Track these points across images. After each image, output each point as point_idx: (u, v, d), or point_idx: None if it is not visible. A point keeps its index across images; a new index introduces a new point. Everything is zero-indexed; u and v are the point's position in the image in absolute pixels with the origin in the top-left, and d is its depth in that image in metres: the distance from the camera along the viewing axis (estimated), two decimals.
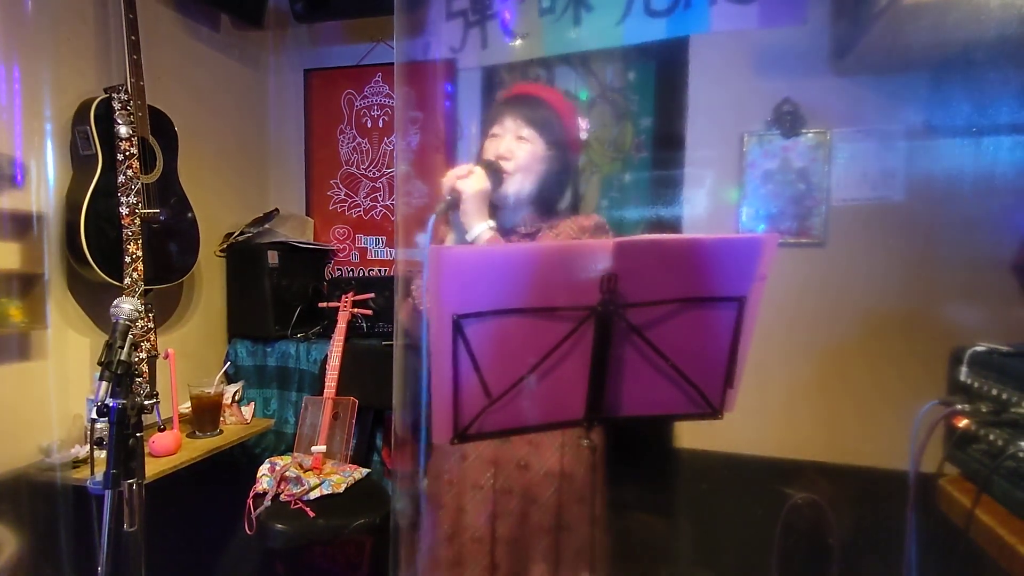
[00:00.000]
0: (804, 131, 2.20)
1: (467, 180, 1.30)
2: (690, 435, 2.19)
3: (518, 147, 1.41)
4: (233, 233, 2.71)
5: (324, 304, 2.67)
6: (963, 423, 1.12)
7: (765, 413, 2.01)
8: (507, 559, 1.43)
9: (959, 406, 1.13)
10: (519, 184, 1.41)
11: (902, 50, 1.94)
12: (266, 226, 2.74)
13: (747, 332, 1.04)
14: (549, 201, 1.47)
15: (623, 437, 2.10)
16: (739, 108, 2.27)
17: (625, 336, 1.01)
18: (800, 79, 2.21)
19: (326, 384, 2.42)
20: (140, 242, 2.03)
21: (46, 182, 1.97)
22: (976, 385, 1.15)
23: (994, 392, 1.10)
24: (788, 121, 2.21)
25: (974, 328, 1.65)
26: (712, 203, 2.34)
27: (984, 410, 1.10)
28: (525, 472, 1.43)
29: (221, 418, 2.30)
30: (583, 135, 2.52)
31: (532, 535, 1.43)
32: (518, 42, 2.22)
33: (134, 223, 2.01)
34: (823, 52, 2.17)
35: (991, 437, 1.06)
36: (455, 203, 1.30)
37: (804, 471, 2.07)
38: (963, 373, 1.19)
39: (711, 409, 1.10)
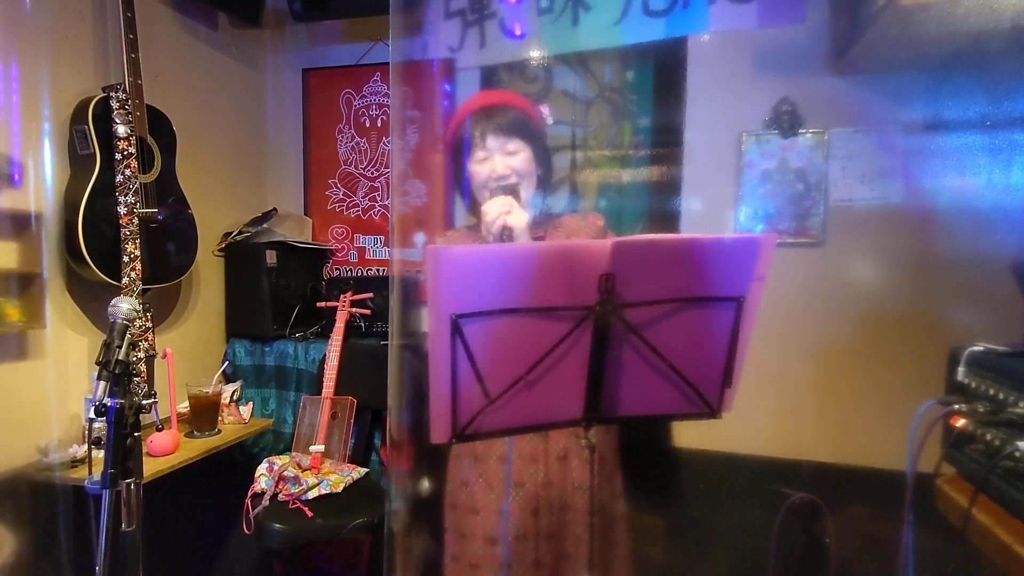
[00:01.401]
0: (802, 131, 2.20)
1: (513, 216, 1.32)
2: (688, 434, 2.19)
3: (512, 161, 1.43)
4: (231, 232, 2.71)
5: (322, 304, 2.67)
6: (960, 423, 1.12)
7: (763, 413, 2.01)
8: (551, 551, 1.46)
9: (956, 406, 1.13)
10: (524, 194, 1.43)
11: (900, 49, 1.94)
12: (264, 225, 2.74)
13: (745, 332, 1.05)
14: (542, 200, 1.50)
15: (620, 437, 2.10)
16: (737, 107, 2.27)
17: (623, 336, 1.02)
18: (798, 78, 2.21)
19: (324, 384, 2.42)
20: (138, 241, 2.03)
21: (44, 181, 1.96)
22: (973, 385, 1.15)
23: (991, 392, 1.10)
24: (786, 121, 2.21)
25: (972, 328, 1.66)
26: (710, 203, 2.34)
27: (981, 410, 1.10)
28: (565, 462, 1.46)
29: (219, 418, 2.30)
30: (580, 133, 2.53)
31: (575, 521, 1.47)
32: (518, 42, 2.22)
33: (132, 222, 2.01)
34: (822, 51, 2.17)
35: (988, 437, 1.06)
36: (510, 240, 1.32)
37: (802, 471, 2.07)
38: (960, 373, 1.19)
39: (709, 409, 1.10)
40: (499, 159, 1.43)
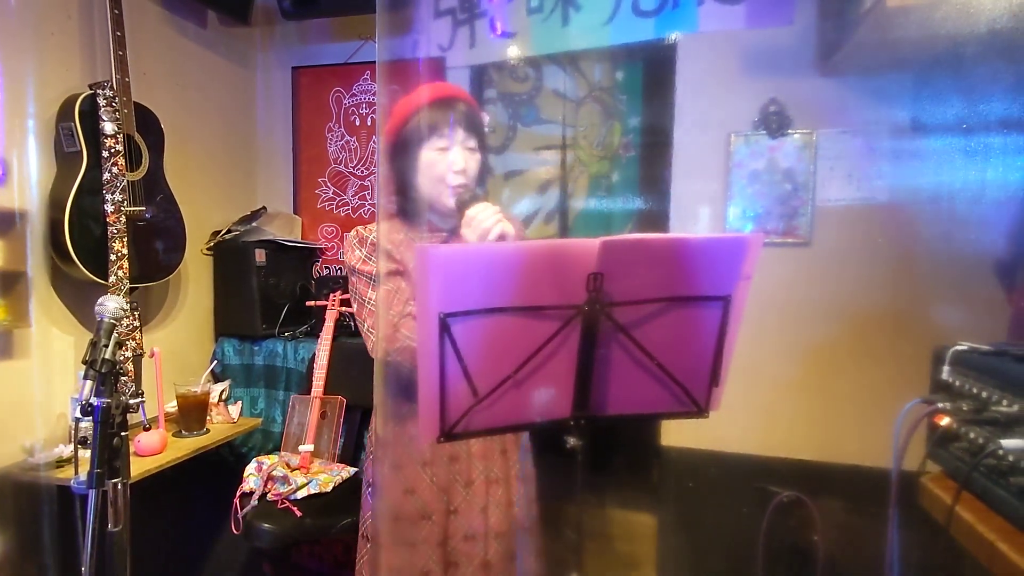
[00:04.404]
0: (790, 131, 2.21)
1: (507, 223, 1.29)
2: (676, 433, 2.20)
3: (471, 159, 1.39)
4: (220, 231, 2.70)
5: (312, 303, 2.66)
6: (944, 421, 1.13)
7: (750, 411, 2.02)
8: (505, 548, 1.47)
9: (941, 404, 1.14)
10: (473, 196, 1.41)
11: (888, 50, 1.96)
12: (253, 224, 2.72)
13: (732, 331, 1.05)
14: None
15: (610, 435, 2.11)
16: (726, 108, 2.28)
17: (611, 335, 1.02)
18: (787, 79, 2.22)
19: (314, 383, 2.41)
20: (126, 240, 2.02)
21: (29, 179, 1.95)
22: (958, 384, 1.16)
23: (975, 391, 1.11)
24: (775, 121, 2.22)
25: (956, 327, 1.67)
26: (698, 203, 2.34)
27: (965, 408, 1.11)
28: (506, 456, 1.49)
29: (208, 417, 2.28)
30: (570, 132, 2.53)
31: (525, 512, 1.50)
32: (508, 41, 2.23)
33: (119, 221, 2.00)
34: (810, 52, 2.18)
35: (972, 435, 1.07)
36: None
37: (789, 469, 2.09)
38: (945, 372, 1.20)
39: (697, 407, 1.11)
40: (460, 153, 1.37)
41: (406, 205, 1.46)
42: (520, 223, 1.57)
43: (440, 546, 1.44)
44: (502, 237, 1.28)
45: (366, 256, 1.43)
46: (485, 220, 1.28)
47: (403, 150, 1.41)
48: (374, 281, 1.41)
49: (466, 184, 1.38)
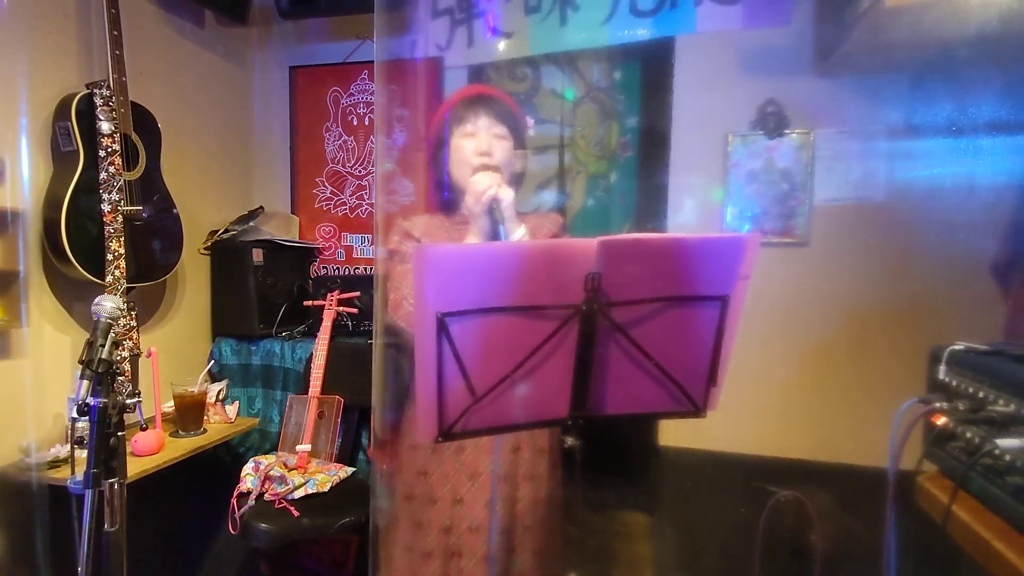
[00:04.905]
0: (788, 131, 2.22)
1: (504, 189, 1.34)
2: (674, 433, 2.20)
3: (497, 145, 1.46)
4: (217, 231, 2.69)
5: (309, 302, 2.66)
6: (941, 421, 1.14)
7: (748, 411, 2.02)
8: (505, 543, 1.48)
9: (937, 404, 1.15)
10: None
11: (885, 50, 1.96)
12: (251, 224, 2.72)
13: (730, 331, 1.05)
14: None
15: (608, 435, 2.12)
16: (724, 108, 2.28)
17: (609, 335, 1.02)
18: (784, 80, 2.22)
19: (311, 383, 2.41)
20: (122, 239, 2.01)
21: (22, 179, 1.94)
22: (954, 383, 1.17)
23: (971, 390, 1.11)
24: (772, 121, 2.22)
25: (953, 327, 1.67)
26: (696, 203, 2.35)
27: (962, 408, 1.11)
28: (517, 454, 1.50)
29: (205, 417, 2.28)
30: (568, 132, 2.54)
31: (524, 511, 1.50)
32: (505, 41, 2.22)
33: (116, 220, 2.00)
34: (807, 53, 2.18)
35: (968, 435, 1.08)
36: (496, 212, 1.33)
37: (786, 468, 2.09)
38: (942, 371, 1.21)
39: (694, 407, 1.11)
40: (486, 138, 1.45)
41: (444, 197, 1.57)
42: (560, 220, 1.59)
43: (445, 532, 1.48)
44: (496, 201, 1.32)
45: (398, 241, 1.55)
46: (480, 183, 1.34)
47: (438, 147, 1.54)
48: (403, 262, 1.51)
49: (488, 165, 1.42)
